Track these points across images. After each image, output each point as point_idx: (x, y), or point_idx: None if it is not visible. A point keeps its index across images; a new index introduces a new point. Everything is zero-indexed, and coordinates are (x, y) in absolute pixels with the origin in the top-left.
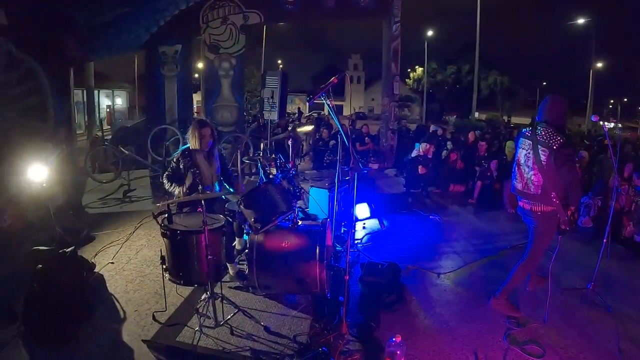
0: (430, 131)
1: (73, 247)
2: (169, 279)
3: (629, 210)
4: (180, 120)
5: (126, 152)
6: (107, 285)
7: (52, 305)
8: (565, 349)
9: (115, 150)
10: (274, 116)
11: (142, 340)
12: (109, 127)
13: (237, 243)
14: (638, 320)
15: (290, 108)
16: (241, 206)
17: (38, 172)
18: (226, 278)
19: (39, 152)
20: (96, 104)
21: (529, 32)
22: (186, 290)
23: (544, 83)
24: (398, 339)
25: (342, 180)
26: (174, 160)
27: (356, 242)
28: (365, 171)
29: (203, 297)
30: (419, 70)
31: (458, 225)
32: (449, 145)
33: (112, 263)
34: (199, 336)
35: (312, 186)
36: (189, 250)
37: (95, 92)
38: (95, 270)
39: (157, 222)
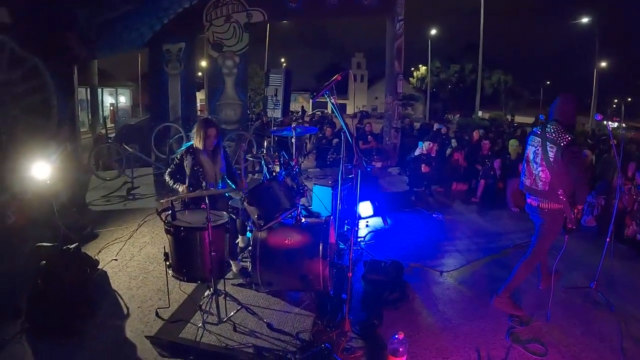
0: (435, 129)
1: (77, 243)
2: (173, 276)
3: (632, 210)
4: (183, 118)
5: (130, 149)
6: (111, 281)
7: (56, 301)
8: (567, 348)
9: (118, 147)
10: (277, 114)
11: (146, 337)
12: (113, 125)
13: (240, 241)
14: None
15: (294, 106)
16: (245, 203)
17: (42, 170)
18: (229, 275)
19: (42, 150)
20: (100, 102)
21: (533, 31)
22: (189, 287)
23: (548, 82)
24: (401, 336)
25: (346, 178)
26: (177, 157)
27: (359, 240)
28: (369, 169)
29: (206, 293)
30: (423, 69)
31: (461, 224)
32: (454, 143)
33: (115, 260)
34: (202, 333)
35: (315, 184)
36: (193, 247)
37: (99, 90)
38: (99, 267)
39: (161, 219)
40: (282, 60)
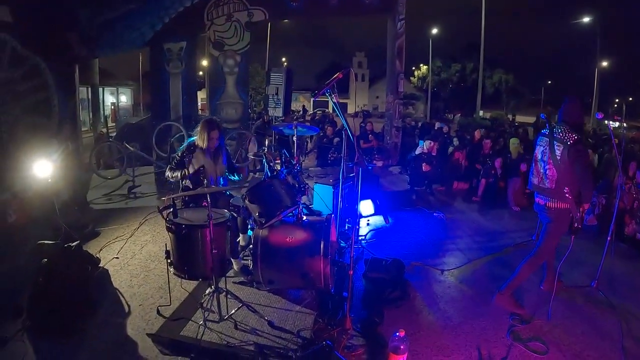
0: (436, 128)
1: (78, 241)
2: (174, 273)
3: (631, 209)
4: (184, 117)
5: (131, 148)
6: (112, 280)
7: (57, 299)
8: (568, 346)
9: (120, 146)
10: (278, 113)
11: (147, 334)
12: (114, 124)
13: (241, 239)
14: None
15: (295, 106)
16: (246, 201)
17: (43, 168)
18: (230, 273)
19: (43, 149)
20: (101, 101)
21: (534, 30)
22: (190, 285)
23: (549, 82)
24: (402, 333)
25: (347, 176)
26: (179, 154)
27: (360, 238)
28: (370, 167)
29: (207, 291)
30: (424, 68)
31: (462, 223)
32: (455, 141)
33: (116, 258)
34: (203, 330)
35: (316, 182)
36: (194, 245)
37: (100, 89)
38: (100, 265)
39: (163, 217)
40: (283, 59)
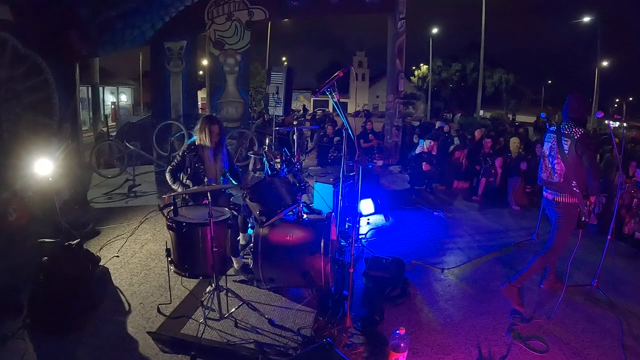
0: (437, 127)
1: (79, 239)
2: (174, 271)
3: (630, 207)
4: (185, 116)
5: (131, 147)
6: (113, 278)
7: (58, 297)
8: (568, 345)
9: (120, 145)
10: (279, 111)
11: (147, 332)
12: (114, 123)
13: (241, 238)
14: None
15: (295, 105)
16: (247, 199)
17: (44, 167)
18: (231, 272)
19: (44, 147)
20: (101, 100)
21: (535, 30)
22: (191, 283)
23: (550, 82)
24: (402, 331)
25: (347, 175)
26: (180, 154)
27: (360, 237)
28: (370, 166)
29: (208, 289)
30: (424, 67)
31: (462, 222)
32: (456, 140)
33: (117, 257)
34: (203, 328)
35: (316, 181)
36: (195, 243)
37: (100, 88)
38: (101, 263)
39: (163, 215)
40: (284, 58)
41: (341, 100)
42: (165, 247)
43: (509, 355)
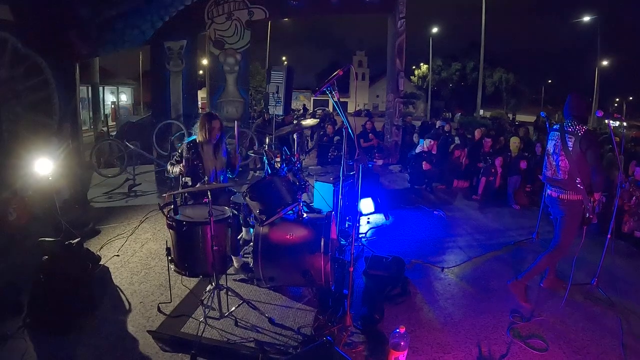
0: (437, 127)
1: (79, 238)
2: (175, 270)
3: (629, 205)
4: (185, 115)
5: (131, 146)
6: (113, 277)
7: (58, 296)
8: (568, 344)
9: (120, 144)
10: (279, 111)
11: (147, 331)
12: (114, 123)
13: (244, 232)
14: None
15: (295, 105)
16: (246, 198)
17: (44, 166)
18: (231, 271)
19: (44, 147)
20: (101, 100)
21: (535, 29)
22: (191, 282)
23: (550, 81)
24: (402, 330)
25: (347, 174)
26: (179, 152)
27: (360, 236)
28: (370, 165)
29: (208, 288)
30: (424, 67)
31: (462, 221)
32: (457, 139)
33: (117, 256)
34: (203, 327)
35: (316, 180)
36: (195, 242)
37: (100, 88)
38: (101, 262)
39: (163, 213)
40: (284, 58)
41: (341, 99)
42: (165, 246)
43: (509, 354)
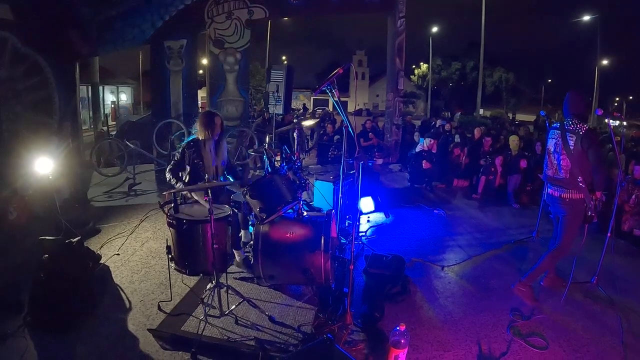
0: (437, 126)
1: (79, 237)
2: (175, 269)
3: (630, 206)
4: (185, 114)
5: (131, 146)
6: (113, 276)
7: (58, 295)
8: (568, 342)
9: (120, 144)
10: (279, 110)
11: (148, 330)
12: (114, 122)
13: (242, 235)
14: None
15: (295, 104)
16: (247, 196)
17: (44, 165)
18: (231, 269)
19: (45, 146)
20: (101, 100)
21: (535, 29)
22: (191, 281)
23: (549, 80)
24: (402, 327)
25: (347, 173)
26: (179, 151)
27: (360, 234)
28: (370, 164)
29: (208, 287)
30: (424, 66)
31: (462, 220)
32: (457, 138)
33: (117, 255)
34: (203, 326)
35: (317, 179)
36: (195, 240)
37: (100, 88)
38: (101, 261)
39: (164, 212)
40: (283, 58)
41: (341, 98)
42: (165, 245)
43: (509, 352)
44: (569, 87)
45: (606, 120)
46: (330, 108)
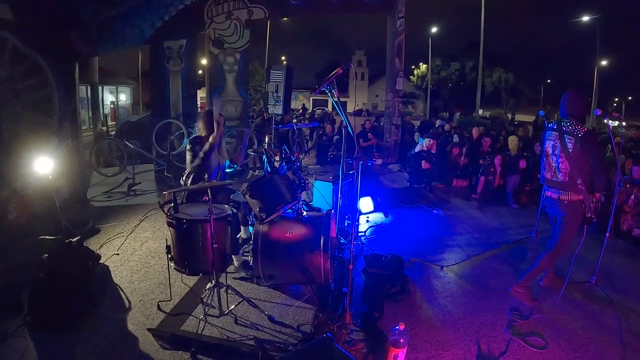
0: (437, 126)
1: (79, 237)
2: (174, 268)
3: (630, 207)
4: (184, 114)
5: (131, 146)
6: (113, 275)
7: (58, 294)
8: (567, 341)
9: (119, 144)
10: (278, 110)
11: (147, 329)
12: (113, 123)
13: (242, 232)
14: None
15: (294, 104)
16: (246, 196)
17: (44, 165)
18: (231, 269)
19: (44, 146)
20: (100, 100)
21: (534, 29)
22: (191, 280)
23: (549, 81)
24: (401, 327)
25: (346, 173)
26: (188, 148)
27: (360, 234)
28: (369, 164)
29: (208, 286)
30: (423, 67)
31: (461, 220)
32: (456, 138)
33: (117, 254)
34: (203, 325)
35: (316, 179)
36: (195, 240)
37: (100, 88)
38: (101, 261)
39: (163, 211)
40: (283, 58)
41: (340, 99)
42: (165, 245)
43: (508, 352)
44: (569, 87)
45: (605, 121)
46: (330, 108)
